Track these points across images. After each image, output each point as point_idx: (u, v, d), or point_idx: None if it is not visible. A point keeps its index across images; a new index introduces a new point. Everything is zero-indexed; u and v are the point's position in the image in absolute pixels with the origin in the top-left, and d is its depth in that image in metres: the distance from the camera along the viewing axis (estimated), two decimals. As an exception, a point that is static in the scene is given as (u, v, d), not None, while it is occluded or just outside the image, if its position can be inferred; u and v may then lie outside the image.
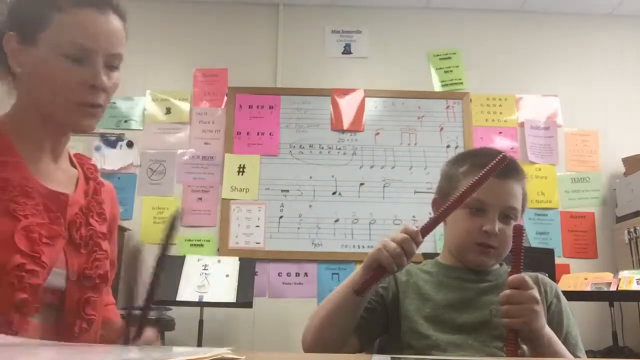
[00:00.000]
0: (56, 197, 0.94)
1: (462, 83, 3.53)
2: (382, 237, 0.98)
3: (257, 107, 3.42)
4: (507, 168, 1.11)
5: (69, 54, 0.90)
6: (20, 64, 0.93)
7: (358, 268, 1.02)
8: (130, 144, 3.36)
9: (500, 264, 1.18)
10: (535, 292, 0.94)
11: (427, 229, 0.98)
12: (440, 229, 1.15)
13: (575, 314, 1.14)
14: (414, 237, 0.95)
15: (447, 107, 3.46)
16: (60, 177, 0.99)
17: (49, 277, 0.87)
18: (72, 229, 0.94)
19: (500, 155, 0.97)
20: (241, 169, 3.31)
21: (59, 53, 0.90)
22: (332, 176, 3.33)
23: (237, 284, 2.71)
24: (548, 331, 0.96)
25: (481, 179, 0.96)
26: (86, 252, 0.95)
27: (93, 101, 0.93)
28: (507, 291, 0.95)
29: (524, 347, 1.00)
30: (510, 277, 0.95)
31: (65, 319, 0.90)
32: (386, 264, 0.95)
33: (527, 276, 0.97)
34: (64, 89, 0.90)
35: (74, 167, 1.04)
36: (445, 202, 1.00)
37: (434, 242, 3.21)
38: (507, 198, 1.11)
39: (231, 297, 2.65)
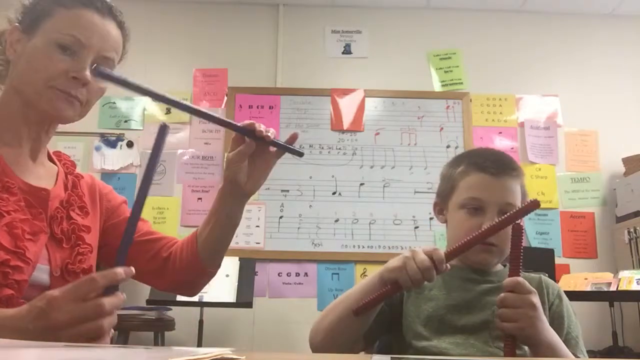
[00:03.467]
0: (37, 193, 0.94)
1: (462, 83, 3.52)
2: (406, 252, 0.96)
3: (257, 107, 3.42)
4: (502, 165, 1.12)
5: (61, 42, 0.92)
6: (17, 52, 0.95)
7: (375, 273, 1.01)
8: (130, 144, 3.36)
9: (505, 265, 1.18)
10: (533, 297, 0.93)
11: (451, 256, 0.97)
12: (442, 229, 1.16)
13: (575, 314, 1.14)
14: (438, 265, 0.93)
15: (447, 107, 3.45)
16: (40, 173, 0.99)
17: (34, 273, 0.87)
18: (53, 223, 0.94)
19: (531, 200, 0.94)
20: (241, 169, 3.30)
21: (51, 41, 0.92)
22: (332, 176, 3.33)
23: (237, 284, 2.71)
24: (548, 336, 0.95)
25: (509, 219, 0.94)
26: (69, 247, 0.95)
27: (72, 92, 0.93)
28: (503, 294, 0.94)
29: (525, 348, 1.00)
30: (507, 280, 0.94)
31: None
32: (403, 285, 0.95)
33: (526, 279, 0.95)
34: (46, 74, 0.91)
35: (53, 163, 1.05)
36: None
37: (434, 242, 3.21)
38: (504, 195, 1.10)
39: (231, 297, 2.65)
